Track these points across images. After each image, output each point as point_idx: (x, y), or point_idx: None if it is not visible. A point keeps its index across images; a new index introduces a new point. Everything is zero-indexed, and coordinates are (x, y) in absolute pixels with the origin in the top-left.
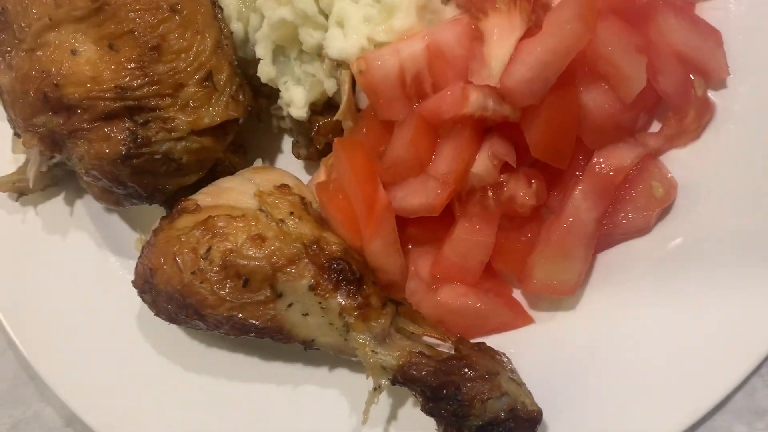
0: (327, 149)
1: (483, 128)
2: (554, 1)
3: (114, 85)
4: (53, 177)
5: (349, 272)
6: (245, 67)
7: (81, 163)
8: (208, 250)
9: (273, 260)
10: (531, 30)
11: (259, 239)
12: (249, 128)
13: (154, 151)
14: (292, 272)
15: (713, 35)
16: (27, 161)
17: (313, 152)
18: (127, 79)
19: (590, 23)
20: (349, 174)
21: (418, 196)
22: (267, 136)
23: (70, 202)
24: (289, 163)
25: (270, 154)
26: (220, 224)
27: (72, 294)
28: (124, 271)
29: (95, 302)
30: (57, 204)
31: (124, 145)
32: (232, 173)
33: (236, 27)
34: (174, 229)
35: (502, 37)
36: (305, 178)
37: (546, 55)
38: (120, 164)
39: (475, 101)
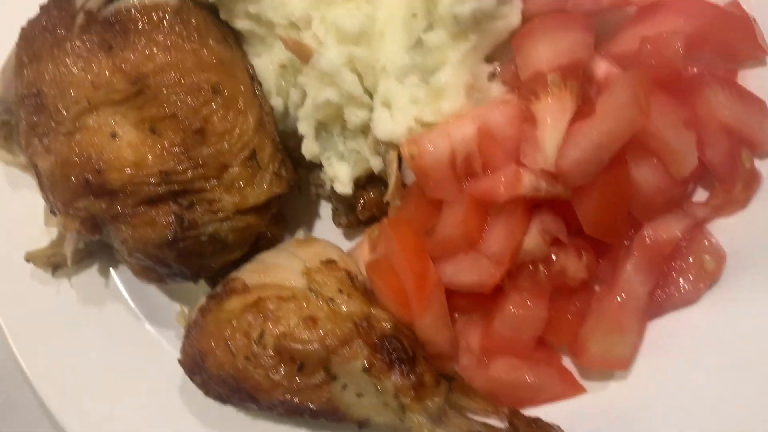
0: (369, 221)
1: (533, 204)
2: (597, 71)
3: (158, 170)
4: (88, 249)
5: (402, 351)
6: (285, 139)
7: (124, 245)
8: (261, 334)
9: (326, 342)
10: (579, 107)
11: (311, 321)
12: (288, 197)
13: (200, 233)
14: (346, 354)
15: (759, 105)
16: (60, 235)
17: (353, 220)
18: (172, 163)
19: (644, 107)
20: (400, 254)
21: (470, 274)
22: (305, 202)
23: (104, 273)
24: (326, 227)
25: (308, 220)
26: (271, 306)
27: (111, 365)
28: (165, 341)
29: (135, 373)
30: (91, 275)
31: (170, 229)
32: (273, 244)
33: (276, 102)
34: (223, 312)
35: (554, 119)
36: (344, 243)
37: (600, 137)
38: (166, 248)
39: (528, 183)
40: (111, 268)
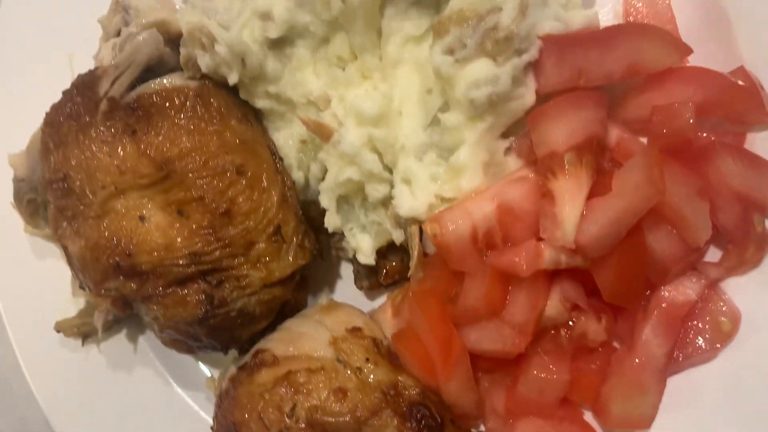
0: (391, 284)
1: (553, 272)
2: (610, 138)
3: (187, 252)
4: (116, 318)
5: (430, 418)
6: (307, 208)
7: (155, 322)
8: (293, 407)
9: (357, 414)
10: (595, 180)
11: (341, 392)
12: (310, 264)
13: (229, 309)
14: (376, 424)
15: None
16: (89, 305)
17: (375, 283)
18: (200, 245)
19: (659, 186)
20: (425, 325)
21: (494, 342)
22: (326, 264)
23: (132, 338)
24: (348, 287)
25: (330, 282)
26: (301, 379)
27: (140, 428)
28: (195, 405)
29: None
30: (120, 341)
31: (200, 308)
32: (298, 309)
33: (297, 176)
34: (255, 385)
35: (572, 197)
36: (366, 303)
37: (618, 214)
38: (197, 325)
39: (549, 258)
40: (139, 335)
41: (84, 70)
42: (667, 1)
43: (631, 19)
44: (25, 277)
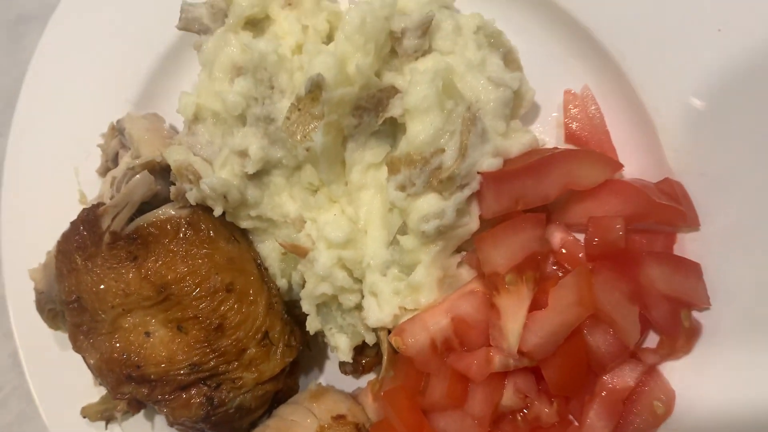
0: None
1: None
2: (554, 240)
3: (187, 364)
4: None
5: None
6: (291, 307)
7: (166, 418)
8: None
9: None
10: (540, 285)
11: None
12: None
13: (228, 407)
14: None
15: (693, 269)
16: (108, 398)
17: (357, 371)
18: (198, 356)
19: (588, 305)
20: (397, 419)
21: (459, 429)
22: (317, 350)
23: (150, 418)
24: (335, 367)
25: (319, 363)
26: None
27: None
28: None
29: None
30: (138, 420)
31: (202, 409)
32: (290, 395)
33: (281, 282)
34: None
35: (513, 311)
36: (350, 383)
37: (554, 327)
38: (201, 423)
39: (498, 362)
40: (156, 415)
41: (88, 179)
42: (601, 116)
43: (570, 132)
44: (54, 362)
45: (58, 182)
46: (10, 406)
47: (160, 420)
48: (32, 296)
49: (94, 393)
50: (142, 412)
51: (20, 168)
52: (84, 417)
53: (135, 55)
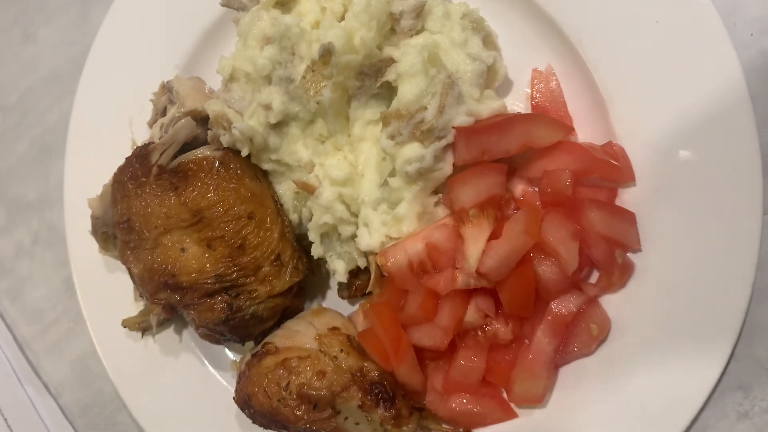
0: (363, 295)
1: (470, 291)
2: (516, 190)
3: (213, 274)
4: (166, 317)
5: (385, 392)
6: (301, 239)
7: (192, 322)
8: (287, 384)
9: (332, 389)
10: (500, 224)
11: (321, 374)
12: (306, 278)
13: (244, 314)
14: (346, 396)
15: (628, 217)
16: (146, 308)
17: (351, 294)
18: (222, 269)
19: (534, 234)
20: (380, 328)
21: (429, 338)
22: (321, 278)
23: (178, 332)
24: (335, 295)
25: (322, 290)
26: (293, 364)
27: (186, 398)
28: (223, 381)
29: (203, 404)
30: (169, 334)
31: (223, 313)
32: (297, 311)
33: (293, 217)
34: (262, 367)
35: (475, 240)
36: (348, 308)
37: (506, 252)
38: (221, 325)
39: (461, 281)
40: (183, 329)
41: (141, 131)
42: (560, 90)
43: (534, 103)
44: (101, 285)
45: (115, 132)
46: (60, 324)
47: (186, 334)
48: (86, 228)
49: (134, 310)
50: (171, 328)
51: (84, 120)
52: (124, 327)
53: (184, 28)
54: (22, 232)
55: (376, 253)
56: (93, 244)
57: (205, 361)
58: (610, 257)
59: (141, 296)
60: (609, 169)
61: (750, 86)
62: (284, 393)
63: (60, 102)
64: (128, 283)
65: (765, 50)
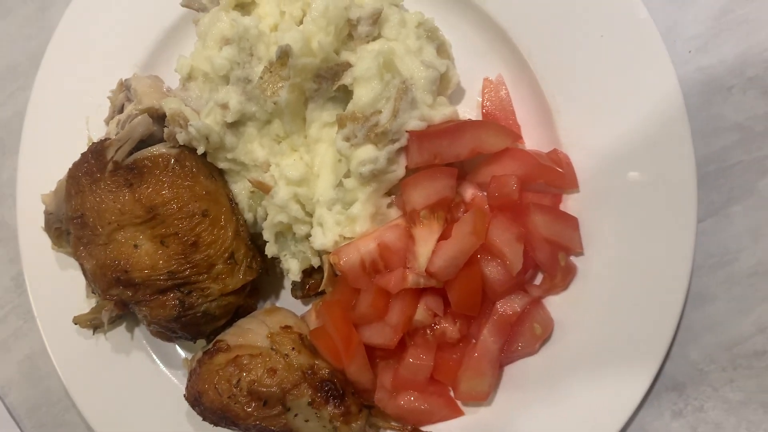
0: (317, 294)
1: (420, 290)
2: (466, 194)
3: (166, 271)
4: (118, 315)
5: (335, 390)
6: (255, 238)
7: (144, 319)
8: (238, 381)
9: (283, 386)
10: (449, 225)
11: (272, 371)
12: (260, 277)
13: (196, 311)
14: (296, 393)
15: (571, 222)
16: (98, 305)
17: (305, 295)
18: (175, 266)
19: (481, 235)
20: (332, 326)
21: (379, 337)
22: (275, 279)
23: (130, 330)
24: (288, 295)
25: (276, 290)
26: (245, 361)
27: (136, 396)
28: (175, 379)
29: (153, 402)
30: (120, 331)
31: (175, 310)
32: (249, 311)
33: (248, 216)
34: (213, 364)
35: (425, 240)
36: (301, 308)
37: (453, 253)
38: (173, 322)
39: (411, 280)
40: (135, 327)
41: (97, 129)
42: (509, 99)
43: (485, 110)
44: (52, 282)
45: (70, 128)
46: (8, 322)
47: (137, 332)
48: (39, 224)
49: (85, 307)
50: (123, 325)
51: (39, 115)
52: (75, 324)
53: (143, 28)
54: None
55: (330, 252)
56: (45, 241)
57: (156, 359)
58: (553, 260)
59: (93, 293)
60: (554, 175)
61: (687, 100)
62: (235, 390)
63: (15, 97)
64: (80, 281)
65: (701, 66)
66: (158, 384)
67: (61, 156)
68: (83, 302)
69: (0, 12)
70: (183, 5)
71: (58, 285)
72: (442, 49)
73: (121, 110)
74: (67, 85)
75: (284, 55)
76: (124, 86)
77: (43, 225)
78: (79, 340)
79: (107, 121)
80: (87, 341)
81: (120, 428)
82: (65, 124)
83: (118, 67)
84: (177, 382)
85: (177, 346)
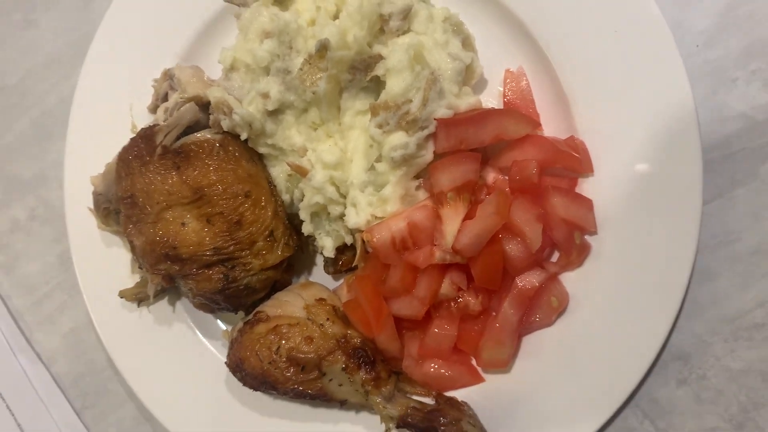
0: (347, 270)
1: (445, 266)
2: (488, 178)
3: (212, 247)
4: (162, 288)
5: (366, 357)
6: (292, 218)
7: (189, 291)
8: (278, 348)
9: (319, 353)
10: (473, 206)
11: (309, 339)
12: (295, 254)
13: (239, 284)
14: (331, 359)
15: (586, 204)
16: (143, 279)
17: (336, 270)
18: (220, 242)
19: (503, 214)
20: (364, 298)
21: (407, 309)
22: (307, 256)
23: (172, 303)
24: (320, 272)
25: (308, 267)
26: (284, 330)
27: (179, 365)
28: (214, 350)
29: (192, 369)
30: (163, 305)
31: (220, 283)
32: (285, 285)
33: (285, 197)
34: (254, 333)
35: (451, 219)
36: (332, 283)
37: (479, 231)
38: (217, 294)
39: (438, 256)
40: (177, 301)
41: (140, 116)
42: (530, 89)
43: (506, 99)
44: (98, 258)
45: (115, 116)
46: (53, 297)
47: (179, 305)
48: (85, 204)
49: (128, 282)
50: (166, 299)
51: (86, 104)
52: (121, 297)
53: (184, 19)
54: (17, 209)
55: (363, 231)
56: (90, 220)
57: (197, 331)
58: (569, 238)
59: (140, 268)
60: (571, 160)
61: (694, 90)
62: (275, 356)
63: (59, 86)
64: (124, 258)
65: (708, 59)
66: (198, 353)
67: (107, 140)
68: (127, 278)
69: (45, 4)
70: (226, 0)
71: (103, 262)
72: (466, 42)
73: (165, 98)
74: (112, 73)
75: (323, 48)
76: (168, 75)
77: (90, 205)
78: (122, 313)
79: (151, 109)
80: (130, 314)
81: (161, 394)
82: (110, 110)
83: (160, 57)
84: (216, 352)
85: (216, 319)
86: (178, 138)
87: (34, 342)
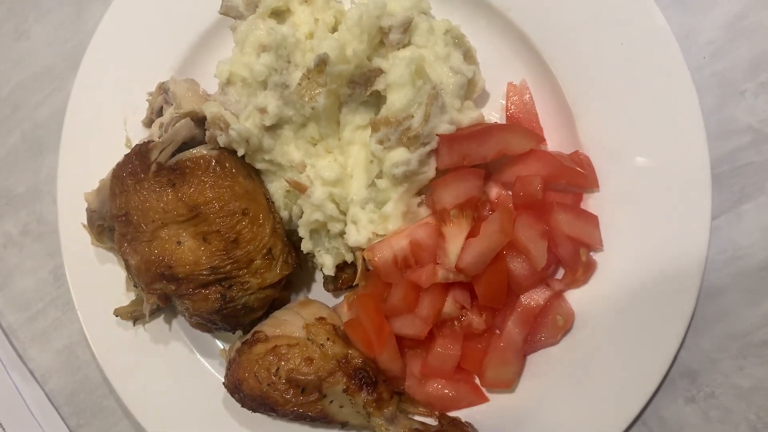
0: (348, 288)
1: (448, 284)
2: (491, 193)
3: (209, 266)
4: (158, 307)
5: (367, 377)
6: (290, 235)
7: (186, 311)
8: (277, 370)
9: (319, 374)
10: (476, 223)
11: (309, 360)
12: (294, 271)
13: (236, 304)
14: (332, 381)
15: (592, 220)
16: (139, 297)
17: (336, 287)
18: (217, 261)
19: (508, 233)
20: (365, 317)
21: (410, 328)
22: (306, 273)
23: (168, 320)
24: (319, 289)
25: (308, 283)
26: (283, 351)
27: (175, 385)
28: (212, 369)
29: (189, 388)
30: (159, 322)
31: (217, 303)
32: (284, 303)
33: (284, 214)
34: (253, 354)
35: (455, 237)
36: (332, 300)
37: (482, 249)
38: (214, 314)
39: (441, 275)
40: (173, 318)
41: (134, 129)
42: (533, 103)
43: (509, 113)
44: (91, 275)
45: (108, 130)
46: (47, 313)
47: (175, 323)
48: (79, 220)
49: (123, 300)
50: (162, 317)
51: (78, 118)
52: (116, 315)
53: (181, 32)
54: (10, 223)
55: (364, 249)
56: (84, 236)
57: (194, 350)
58: (575, 255)
59: (135, 286)
60: (575, 175)
61: (701, 103)
62: (274, 378)
63: (51, 98)
64: (118, 275)
65: (716, 71)
66: (195, 373)
67: (100, 154)
68: (122, 295)
69: (37, 15)
70: (221, 13)
71: (97, 278)
72: (468, 55)
73: (159, 112)
74: (105, 86)
75: (322, 62)
76: (163, 89)
77: (84, 221)
78: (117, 331)
79: (145, 123)
80: (126, 332)
81: (157, 412)
82: (104, 124)
83: (154, 69)
84: (213, 372)
85: (215, 339)
86: (173, 154)
87: (27, 359)
